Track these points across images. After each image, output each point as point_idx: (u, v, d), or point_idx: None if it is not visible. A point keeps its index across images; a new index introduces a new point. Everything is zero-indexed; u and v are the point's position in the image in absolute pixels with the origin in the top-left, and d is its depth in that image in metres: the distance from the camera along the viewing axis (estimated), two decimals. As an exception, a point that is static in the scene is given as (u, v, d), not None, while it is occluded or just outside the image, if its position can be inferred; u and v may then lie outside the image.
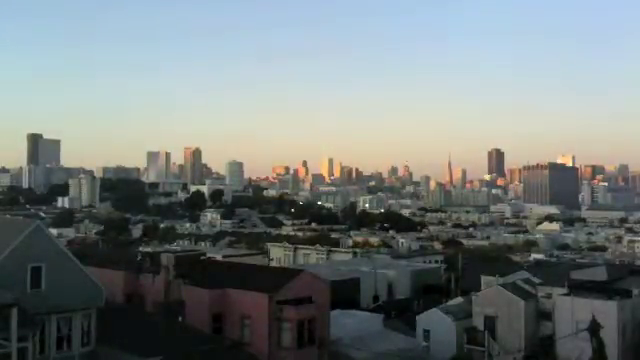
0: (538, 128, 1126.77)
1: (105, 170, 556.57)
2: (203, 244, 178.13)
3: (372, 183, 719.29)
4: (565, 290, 52.66)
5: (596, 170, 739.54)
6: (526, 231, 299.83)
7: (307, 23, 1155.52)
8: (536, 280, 58.32)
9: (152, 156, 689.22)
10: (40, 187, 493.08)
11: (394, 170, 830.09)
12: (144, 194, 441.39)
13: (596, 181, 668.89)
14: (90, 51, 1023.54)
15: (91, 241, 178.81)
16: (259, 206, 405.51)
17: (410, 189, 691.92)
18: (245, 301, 42.01)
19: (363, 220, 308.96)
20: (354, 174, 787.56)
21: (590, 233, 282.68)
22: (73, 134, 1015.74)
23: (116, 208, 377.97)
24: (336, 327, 45.52)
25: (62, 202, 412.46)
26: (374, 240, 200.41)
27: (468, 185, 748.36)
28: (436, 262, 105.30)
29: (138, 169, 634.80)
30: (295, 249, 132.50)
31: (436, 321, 55.21)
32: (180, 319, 40.74)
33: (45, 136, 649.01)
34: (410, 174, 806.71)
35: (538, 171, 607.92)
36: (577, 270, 65.19)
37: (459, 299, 60.43)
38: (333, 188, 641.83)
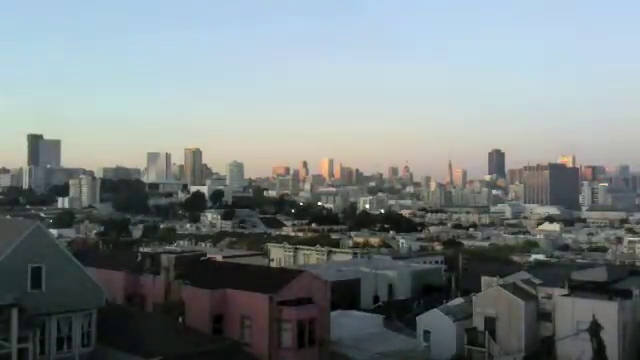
0: (538, 128, 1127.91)
1: (105, 171, 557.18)
2: (203, 245, 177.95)
3: (372, 184, 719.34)
4: (565, 291, 52.61)
5: (596, 171, 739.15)
6: (526, 232, 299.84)
7: (307, 22, 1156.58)
8: (536, 281, 58.24)
9: (152, 157, 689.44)
10: (40, 188, 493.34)
11: (394, 171, 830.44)
12: (144, 195, 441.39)
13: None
14: (90, 51, 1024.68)
15: (91, 242, 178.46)
16: (259, 207, 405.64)
17: (410, 190, 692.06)
18: (245, 302, 41.96)
19: (363, 221, 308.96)
20: (354, 175, 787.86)
21: (590, 234, 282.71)
22: (73, 134, 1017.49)
23: (116, 209, 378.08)
24: (336, 328, 45.45)
25: (62, 203, 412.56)
26: (374, 241, 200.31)
27: (468, 186, 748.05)
28: (436, 263, 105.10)
29: (138, 170, 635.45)
30: (295, 250, 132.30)
31: (436, 322, 55.17)
32: (180, 320, 40.74)
33: (45, 136, 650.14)
34: (410, 174, 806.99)
35: (538, 172, 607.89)
36: (577, 271, 65.18)
37: (459, 300, 60.35)
38: (333, 189, 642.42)
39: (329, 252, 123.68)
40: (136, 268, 48.36)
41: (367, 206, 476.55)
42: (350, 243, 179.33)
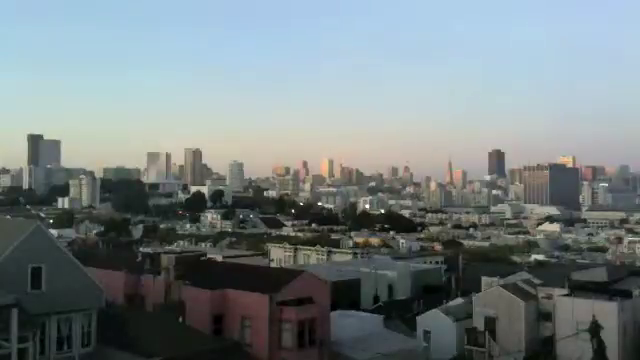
0: (538, 128, 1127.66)
1: (105, 171, 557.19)
2: (203, 245, 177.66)
3: (372, 184, 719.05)
4: (565, 291, 52.66)
5: (596, 171, 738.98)
6: (526, 232, 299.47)
7: (307, 22, 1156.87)
8: (536, 281, 58.26)
9: (152, 157, 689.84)
10: (40, 188, 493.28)
11: (394, 171, 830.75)
12: (144, 195, 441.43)
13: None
14: (90, 51, 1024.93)
15: (91, 242, 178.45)
16: (259, 207, 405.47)
17: (410, 190, 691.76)
18: (245, 302, 41.95)
19: (363, 221, 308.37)
20: (354, 175, 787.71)
21: (590, 234, 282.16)
22: (73, 134, 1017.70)
23: (116, 209, 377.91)
24: (336, 328, 45.45)
25: (62, 203, 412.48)
26: (374, 241, 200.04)
27: (468, 186, 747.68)
28: (436, 263, 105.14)
29: (138, 170, 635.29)
30: (295, 250, 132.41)
31: (436, 322, 55.20)
32: (180, 320, 40.72)
33: (45, 137, 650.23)
34: (410, 175, 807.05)
35: (538, 172, 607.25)
36: (577, 271, 65.14)
37: (459, 300, 60.39)
38: (333, 189, 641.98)
39: (329, 252, 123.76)
40: (136, 268, 48.35)
41: (367, 206, 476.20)
42: (350, 243, 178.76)
